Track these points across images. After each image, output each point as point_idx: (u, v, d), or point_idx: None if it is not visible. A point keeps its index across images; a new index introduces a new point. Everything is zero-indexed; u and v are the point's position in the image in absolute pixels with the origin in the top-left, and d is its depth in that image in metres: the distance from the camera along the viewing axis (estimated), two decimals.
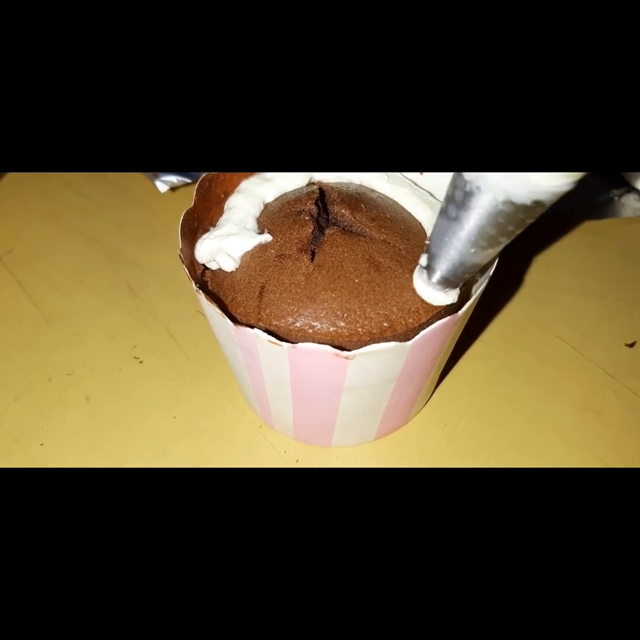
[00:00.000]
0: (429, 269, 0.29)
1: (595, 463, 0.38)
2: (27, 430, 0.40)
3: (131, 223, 0.56)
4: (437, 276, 0.29)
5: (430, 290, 0.30)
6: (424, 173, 0.39)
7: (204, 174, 0.37)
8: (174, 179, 0.56)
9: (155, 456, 0.39)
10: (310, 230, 0.32)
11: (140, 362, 0.44)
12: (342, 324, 0.30)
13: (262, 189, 0.37)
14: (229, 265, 0.33)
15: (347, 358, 0.28)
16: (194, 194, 0.36)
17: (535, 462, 0.39)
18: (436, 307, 0.31)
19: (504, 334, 0.47)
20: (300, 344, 0.28)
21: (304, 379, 0.31)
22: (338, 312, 0.30)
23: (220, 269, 0.34)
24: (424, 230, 0.35)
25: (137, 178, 0.60)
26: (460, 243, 0.26)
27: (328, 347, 0.28)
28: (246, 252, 0.33)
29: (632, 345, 0.46)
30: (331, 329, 0.30)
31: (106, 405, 0.42)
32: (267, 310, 0.31)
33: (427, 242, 0.29)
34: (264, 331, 0.28)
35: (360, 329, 0.30)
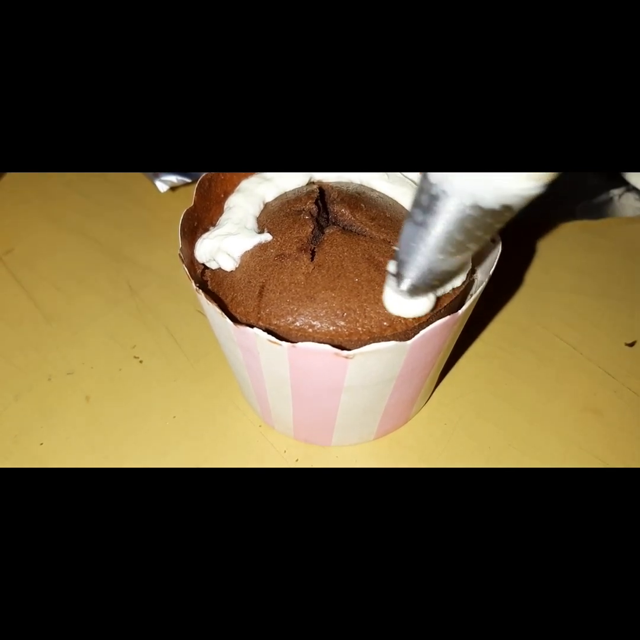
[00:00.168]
0: (398, 276, 0.27)
1: (595, 463, 0.38)
2: (27, 430, 0.40)
3: (131, 223, 0.56)
4: (406, 283, 0.27)
5: (400, 299, 0.29)
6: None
7: (204, 174, 0.37)
8: (174, 178, 0.56)
9: (155, 456, 0.39)
10: (310, 230, 0.32)
11: (140, 362, 0.44)
12: (342, 323, 0.30)
13: (262, 189, 0.37)
14: (228, 264, 0.33)
15: (347, 357, 0.28)
16: (194, 194, 0.36)
17: (535, 461, 0.39)
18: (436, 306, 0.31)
19: (504, 333, 0.47)
20: (300, 344, 0.28)
21: (304, 378, 0.31)
22: (338, 312, 0.30)
23: (220, 269, 0.34)
24: None
25: (137, 178, 0.60)
26: (428, 249, 0.24)
27: (328, 347, 0.28)
28: (246, 251, 0.33)
29: (632, 344, 0.46)
30: (331, 328, 0.30)
31: (106, 405, 0.42)
32: (267, 310, 0.31)
33: (395, 248, 0.28)
34: (263, 330, 0.28)
35: (360, 328, 0.30)
